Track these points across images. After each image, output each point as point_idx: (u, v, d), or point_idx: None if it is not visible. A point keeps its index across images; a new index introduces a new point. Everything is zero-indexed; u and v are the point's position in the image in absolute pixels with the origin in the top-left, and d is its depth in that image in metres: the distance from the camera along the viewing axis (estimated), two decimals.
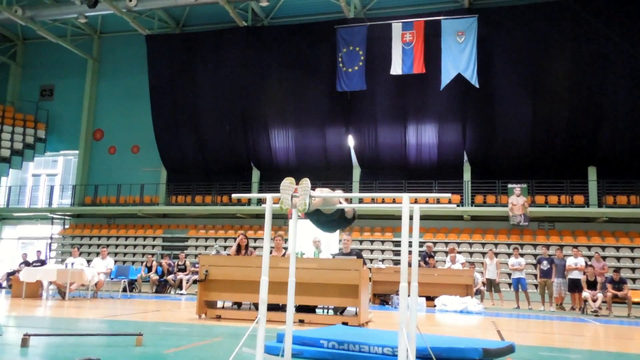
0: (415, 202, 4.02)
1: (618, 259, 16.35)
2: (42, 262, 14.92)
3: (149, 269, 15.59)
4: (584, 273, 12.45)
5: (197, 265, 14.16)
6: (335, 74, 18.44)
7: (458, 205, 17.79)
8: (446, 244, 17.00)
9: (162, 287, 15.39)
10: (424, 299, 11.50)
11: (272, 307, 7.29)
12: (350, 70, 18.20)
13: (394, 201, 15.51)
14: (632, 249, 16.60)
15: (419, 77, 17.88)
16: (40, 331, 5.62)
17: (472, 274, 12.75)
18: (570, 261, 12.89)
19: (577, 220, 17.68)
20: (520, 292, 13.46)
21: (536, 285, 14.15)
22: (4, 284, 15.51)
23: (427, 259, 13.23)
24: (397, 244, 17.71)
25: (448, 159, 18.93)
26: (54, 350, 4.83)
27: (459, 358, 4.27)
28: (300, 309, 7.82)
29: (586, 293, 12.12)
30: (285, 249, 9.25)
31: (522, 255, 14.72)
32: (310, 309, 8.08)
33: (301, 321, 7.50)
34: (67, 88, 23.81)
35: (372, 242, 18.49)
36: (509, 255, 16.87)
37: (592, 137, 17.58)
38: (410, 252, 3.81)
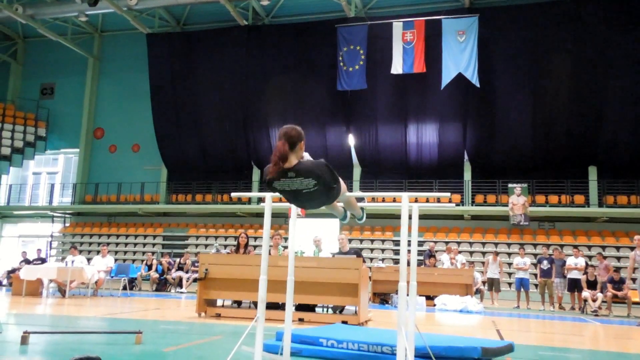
0: (416, 201, 4.01)
1: (618, 258, 16.33)
2: (43, 260, 14.94)
3: (149, 268, 15.60)
4: (585, 273, 12.44)
5: (197, 264, 14.17)
6: (336, 73, 18.42)
7: (458, 205, 17.80)
8: (446, 243, 16.99)
9: (162, 285, 15.40)
10: (423, 298, 11.52)
11: (271, 306, 7.29)
12: (350, 69, 18.19)
13: (394, 200, 15.48)
14: (632, 249, 16.48)
15: (419, 77, 17.87)
16: (40, 329, 5.63)
17: (472, 274, 12.76)
18: (570, 261, 12.89)
19: (578, 220, 17.67)
20: (522, 292, 13.48)
21: (536, 285, 14.14)
22: (5, 281, 15.53)
23: (429, 258, 13.25)
24: (397, 243, 17.71)
25: (448, 158, 18.92)
26: (53, 348, 4.84)
27: (458, 357, 4.27)
28: (299, 307, 7.83)
29: (586, 293, 12.12)
30: (285, 247, 9.24)
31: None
32: (310, 308, 8.08)
33: (300, 320, 7.51)
34: (67, 86, 23.80)
35: (372, 241, 18.50)
36: (509, 254, 16.90)
37: (592, 137, 17.58)
38: (409, 252, 3.81)
